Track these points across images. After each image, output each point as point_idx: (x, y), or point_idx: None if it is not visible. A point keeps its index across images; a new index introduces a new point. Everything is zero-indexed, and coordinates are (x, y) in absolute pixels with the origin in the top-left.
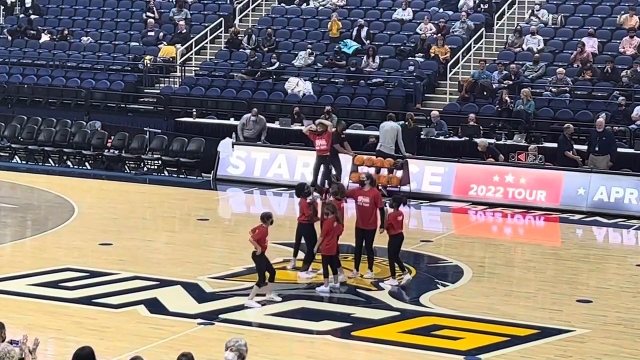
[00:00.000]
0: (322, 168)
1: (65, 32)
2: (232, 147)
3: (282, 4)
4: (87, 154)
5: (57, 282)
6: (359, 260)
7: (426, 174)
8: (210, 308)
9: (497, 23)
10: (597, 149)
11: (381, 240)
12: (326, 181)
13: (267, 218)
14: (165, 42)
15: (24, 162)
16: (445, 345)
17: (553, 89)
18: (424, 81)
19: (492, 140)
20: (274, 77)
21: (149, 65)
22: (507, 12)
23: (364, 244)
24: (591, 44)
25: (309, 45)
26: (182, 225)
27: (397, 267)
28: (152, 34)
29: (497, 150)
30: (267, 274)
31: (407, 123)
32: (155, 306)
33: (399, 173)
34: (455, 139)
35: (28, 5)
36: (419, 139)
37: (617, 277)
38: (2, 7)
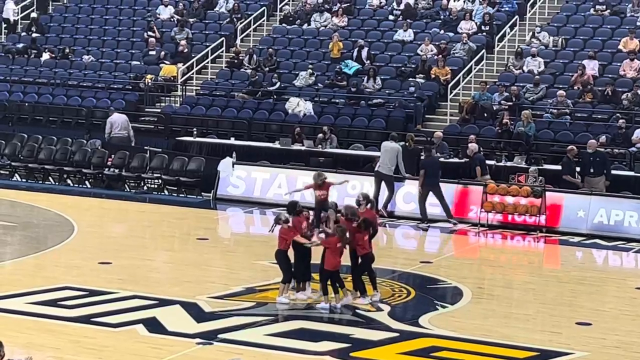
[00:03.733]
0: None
1: (67, 50)
2: (233, 166)
3: (284, 25)
4: (87, 173)
5: (56, 300)
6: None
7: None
8: (209, 328)
9: (497, 45)
10: (592, 170)
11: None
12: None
13: (277, 219)
14: (166, 62)
15: (24, 180)
16: None
17: (553, 111)
18: (424, 102)
19: (493, 162)
20: (275, 97)
21: (150, 84)
22: (508, 34)
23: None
24: (592, 67)
25: (310, 66)
26: (181, 245)
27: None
28: (153, 53)
29: (484, 163)
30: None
31: (407, 144)
32: (154, 325)
33: (537, 201)
34: (456, 160)
35: (30, 21)
36: (418, 160)
37: (617, 300)
38: (5, 25)
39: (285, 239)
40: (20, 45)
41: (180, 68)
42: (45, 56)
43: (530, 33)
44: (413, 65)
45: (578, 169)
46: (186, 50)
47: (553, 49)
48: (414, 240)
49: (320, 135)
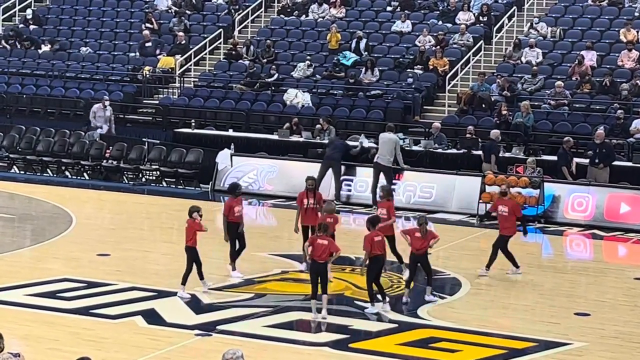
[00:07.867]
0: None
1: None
2: (231, 158)
3: (281, 16)
4: (85, 165)
5: (55, 292)
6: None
7: (425, 185)
8: (208, 319)
9: (496, 36)
10: (597, 161)
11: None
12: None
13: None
14: (164, 53)
15: (22, 172)
16: (442, 358)
17: (552, 102)
18: (422, 93)
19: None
20: (273, 88)
21: (147, 76)
22: (506, 24)
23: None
24: (590, 57)
25: (308, 57)
26: (180, 236)
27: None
28: (150, 44)
29: (498, 148)
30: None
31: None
32: (152, 317)
33: (535, 192)
34: (454, 151)
35: (29, 16)
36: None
37: (615, 291)
38: (3, 17)
39: (329, 248)
40: (20, 30)
41: (178, 60)
42: (43, 48)
43: (529, 24)
44: (411, 56)
45: (577, 160)
46: (184, 41)
47: (551, 39)
48: None
49: (319, 126)
